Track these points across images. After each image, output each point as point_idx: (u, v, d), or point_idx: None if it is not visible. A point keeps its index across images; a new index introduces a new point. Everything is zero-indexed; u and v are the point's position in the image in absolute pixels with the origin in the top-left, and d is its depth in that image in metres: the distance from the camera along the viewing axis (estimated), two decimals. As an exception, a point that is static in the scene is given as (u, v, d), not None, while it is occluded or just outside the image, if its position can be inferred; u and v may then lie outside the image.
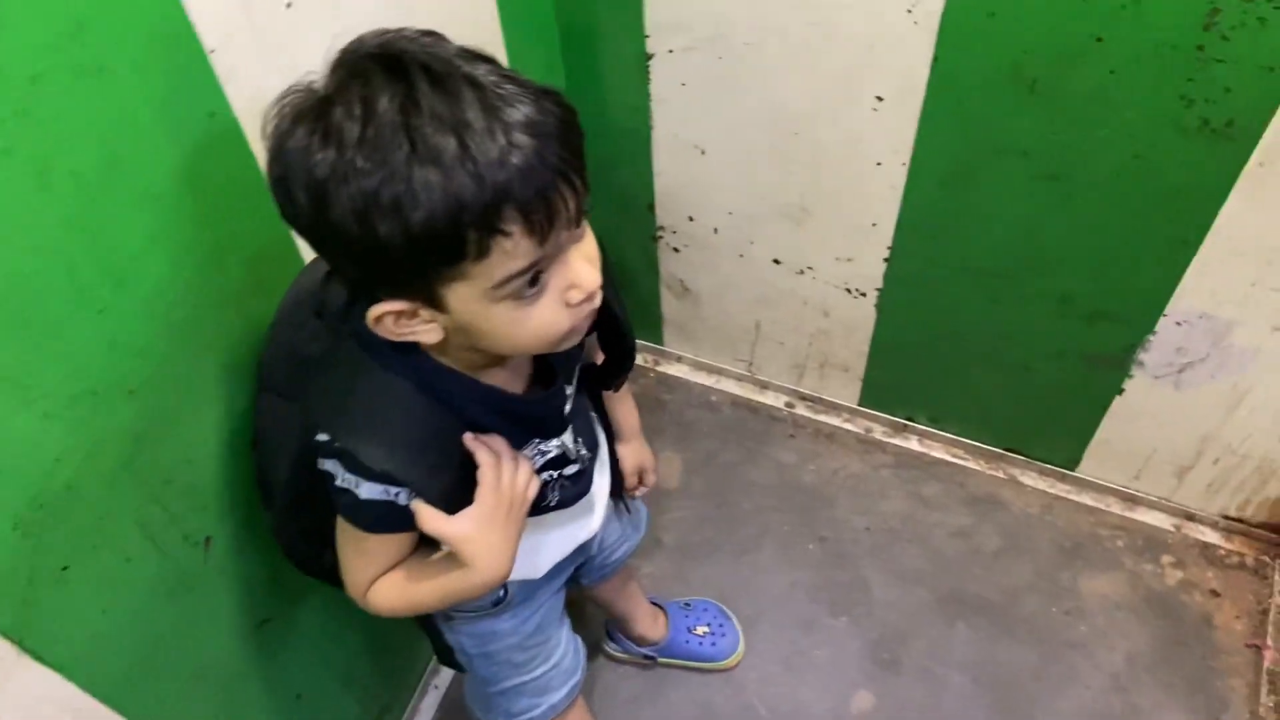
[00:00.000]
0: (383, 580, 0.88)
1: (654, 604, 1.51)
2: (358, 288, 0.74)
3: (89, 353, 0.73)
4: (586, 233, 0.73)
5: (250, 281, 0.88)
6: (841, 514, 1.65)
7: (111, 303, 0.74)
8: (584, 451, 0.98)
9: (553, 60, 1.36)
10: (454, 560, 0.84)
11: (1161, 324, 1.31)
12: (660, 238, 1.58)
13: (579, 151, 0.66)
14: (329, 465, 0.79)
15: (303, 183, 0.63)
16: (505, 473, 0.82)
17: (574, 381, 0.93)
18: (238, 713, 1.06)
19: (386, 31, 0.66)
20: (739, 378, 1.81)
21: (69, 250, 0.69)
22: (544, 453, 0.91)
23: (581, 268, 0.71)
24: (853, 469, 1.70)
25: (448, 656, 1.14)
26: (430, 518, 0.79)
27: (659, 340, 1.83)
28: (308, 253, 0.93)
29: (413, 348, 0.76)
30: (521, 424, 0.87)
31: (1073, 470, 1.62)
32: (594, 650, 1.53)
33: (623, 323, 0.93)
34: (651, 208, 1.53)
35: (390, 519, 0.80)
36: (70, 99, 0.66)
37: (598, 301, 0.73)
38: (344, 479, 0.78)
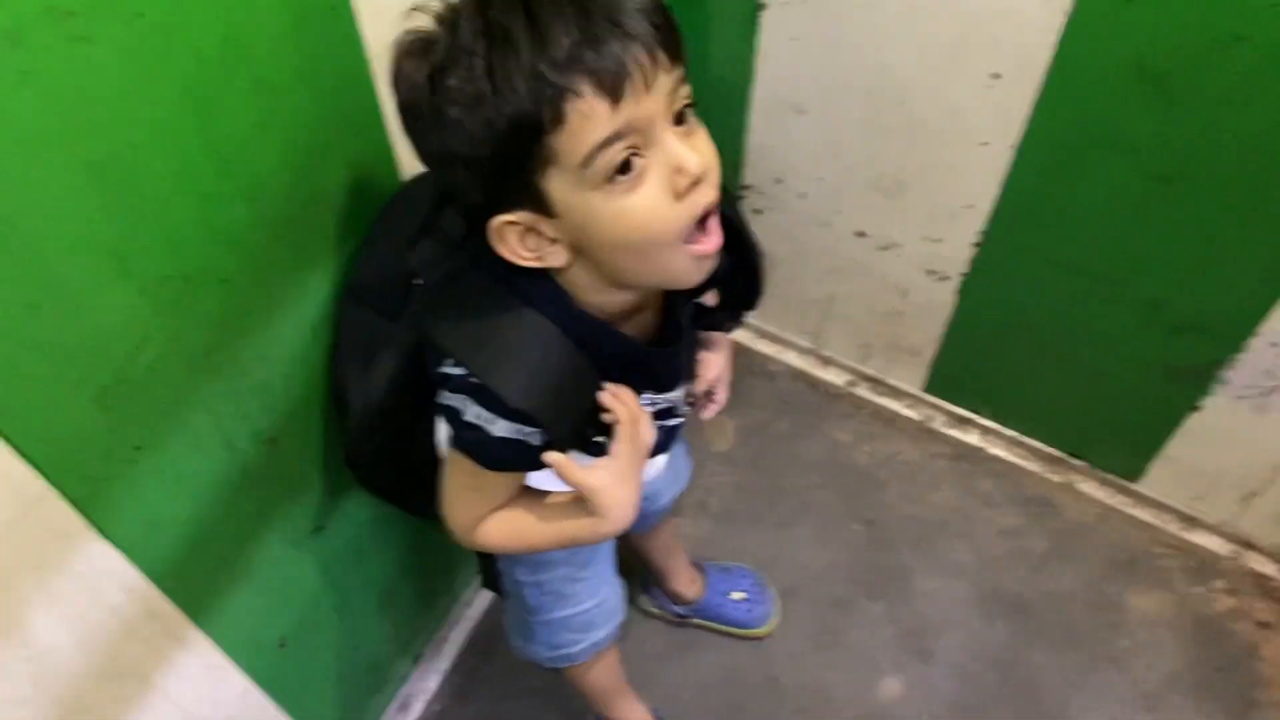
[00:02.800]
0: (496, 517, 0.88)
1: (693, 564, 1.50)
2: (474, 210, 0.73)
3: (187, 236, 0.73)
4: (696, 129, 0.71)
5: (349, 187, 0.87)
6: (890, 499, 1.63)
7: (215, 188, 0.73)
8: (685, 405, 0.96)
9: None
10: (580, 506, 0.85)
11: (1253, 343, 1.26)
12: (744, 197, 1.55)
13: (662, 25, 0.66)
14: (455, 400, 0.78)
15: (426, 71, 0.66)
16: (641, 428, 0.84)
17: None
18: (280, 616, 1.07)
19: None
20: (802, 350, 1.78)
21: (181, 128, 0.68)
22: (653, 404, 0.90)
23: (682, 148, 0.68)
24: (907, 456, 1.68)
25: (493, 581, 1.14)
26: (570, 467, 0.80)
27: (726, 302, 1.80)
28: (407, 169, 0.92)
29: (550, 285, 0.76)
30: (645, 377, 0.87)
31: (1134, 482, 1.59)
32: (628, 602, 1.53)
33: (751, 242, 0.91)
34: (738, 166, 1.50)
35: (518, 458, 0.79)
36: (200, -26, 0.65)
37: (711, 193, 0.70)
38: (475, 414, 0.77)
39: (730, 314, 1.00)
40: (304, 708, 1.18)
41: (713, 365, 1.08)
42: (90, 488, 0.74)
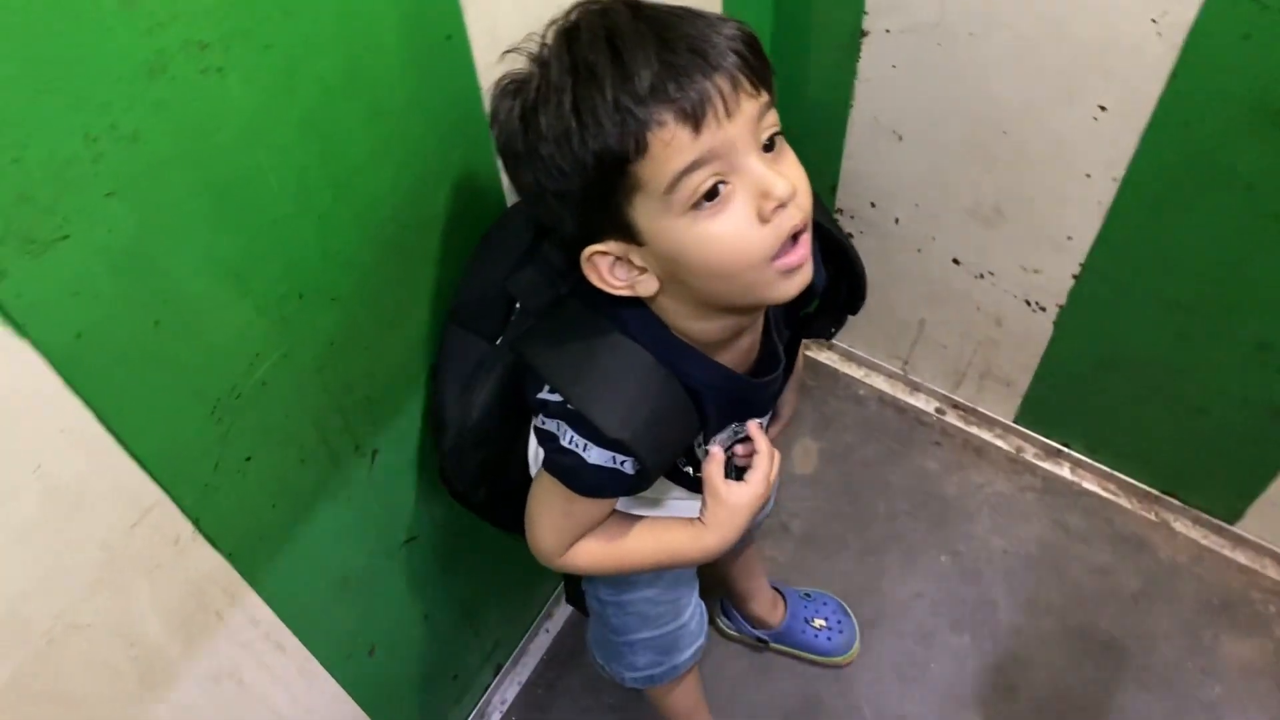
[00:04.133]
0: (588, 541, 0.90)
1: (774, 589, 1.49)
2: (569, 241, 0.74)
3: (304, 255, 0.75)
4: (784, 153, 0.72)
5: (456, 210, 0.89)
6: (979, 531, 1.60)
7: (331, 210, 0.75)
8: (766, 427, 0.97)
9: (763, 22, 1.34)
10: (677, 524, 0.90)
11: (1367, 388, 1.22)
12: (837, 220, 1.54)
13: (746, 54, 0.67)
14: (551, 425, 0.79)
15: (518, 111, 0.69)
16: (775, 468, 0.90)
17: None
18: (370, 624, 1.09)
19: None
20: (891, 376, 1.77)
21: (303, 152, 0.70)
22: (737, 433, 0.91)
23: (767, 172, 0.68)
24: (997, 487, 1.65)
25: (578, 599, 1.15)
26: (717, 466, 0.87)
27: (815, 325, 1.80)
28: (511, 195, 0.94)
29: (645, 312, 0.77)
30: (740, 406, 0.88)
31: (1232, 524, 1.54)
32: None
33: (849, 251, 0.92)
34: (834, 189, 1.50)
35: (611, 485, 0.81)
36: (326, 5, 0.67)
37: (797, 215, 0.70)
38: (571, 440, 0.78)
39: (834, 319, 1.02)
40: (389, 714, 1.20)
41: (785, 404, 1.09)
42: (202, 496, 0.76)
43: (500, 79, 0.71)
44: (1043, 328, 1.46)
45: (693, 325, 0.79)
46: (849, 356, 1.79)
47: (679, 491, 0.97)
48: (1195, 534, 1.58)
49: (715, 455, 0.90)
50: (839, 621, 1.49)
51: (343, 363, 0.84)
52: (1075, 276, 1.35)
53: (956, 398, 1.71)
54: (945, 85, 1.25)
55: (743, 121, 0.67)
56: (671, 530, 0.92)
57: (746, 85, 0.67)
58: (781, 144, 0.72)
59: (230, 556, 0.82)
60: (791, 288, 0.74)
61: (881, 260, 1.55)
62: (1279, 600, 1.51)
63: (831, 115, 1.39)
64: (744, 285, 0.73)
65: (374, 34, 0.72)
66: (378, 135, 0.76)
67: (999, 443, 1.69)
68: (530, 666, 1.51)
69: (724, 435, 0.91)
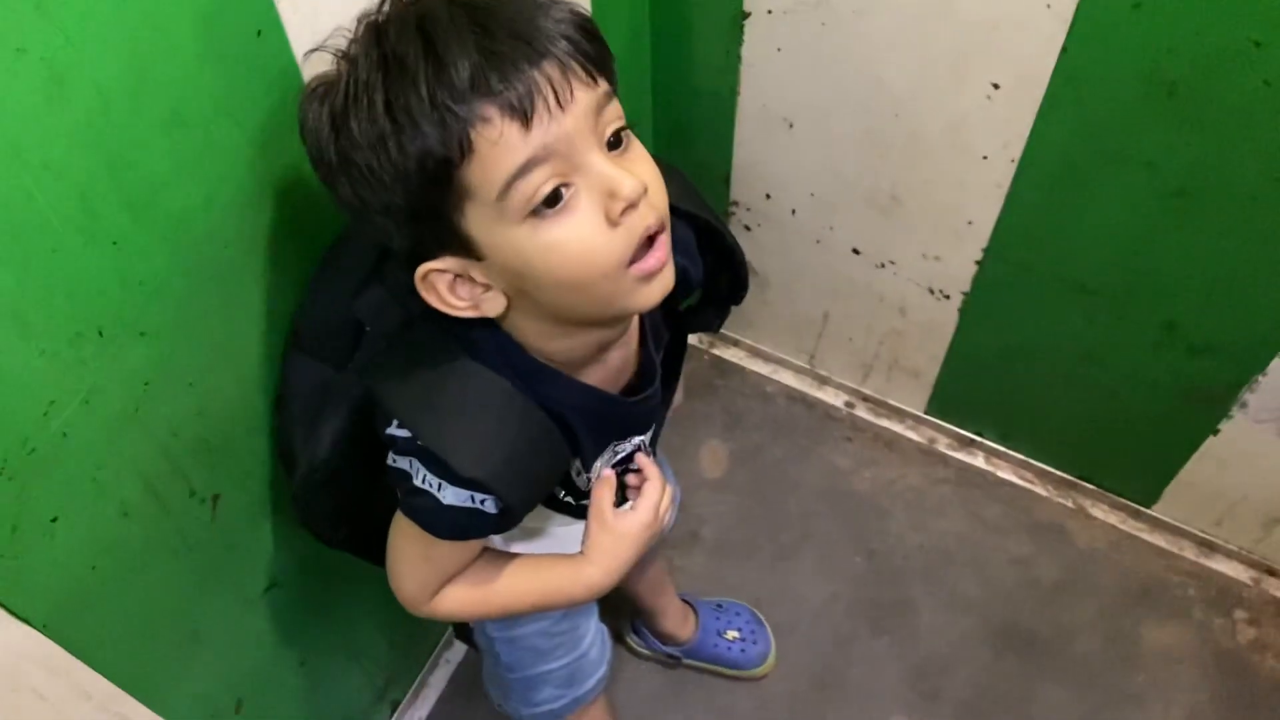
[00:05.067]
0: (456, 586, 0.82)
1: (685, 601, 1.42)
2: (405, 258, 0.66)
3: (98, 287, 0.65)
4: (633, 149, 0.65)
5: (288, 226, 0.79)
6: (894, 528, 1.55)
7: (128, 234, 0.66)
8: (649, 446, 0.90)
9: (639, 15, 1.26)
10: (555, 561, 0.84)
11: (1275, 366, 1.19)
12: (732, 213, 1.48)
13: (578, 38, 0.60)
14: (403, 463, 0.71)
15: (327, 116, 0.61)
16: (666, 498, 0.84)
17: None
18: (235, 677, 1.00)
19: None
20: (798, 370, 1.71)
21: (83, 171, 0.61)
22: (618, 452, 0.84)
23: (613, 170, 0.61)
24: (911, 481, 1.60)
25: (467, 634, 1.07)
26: (607, 498, 0.81)
27: (718, 321, 1.73)
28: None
29: (498, 334, 0.70)
30: (614, 426, 0.81)
31: (1148, 508, 1.51)
32: (616, 642, 1.46)
33: (727, 238, 0.86)
34: (727, 180, 1.43)
35: (471, 526, 0.73)
36: (96, 5, 0.58)
37: (650, 215, 0.63)
38: (425, 480, 0.70)
39: (716, 313, 0.96)
40: (270, 769, 1.11)
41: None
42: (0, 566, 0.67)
43: (309, 82, 0.63)
44: (948, 316, 1.41)
45: (551, 344, 0.72)
46: (755, 353, 1.73)
47: (562, 519, 0.90)
48: (1113, 519, 1.55)
49: (607, 478, 0.83)
50: (753, 632, 1.43)
51: (163, 403, 0.75)
52: (978, 263, 1.30)
53: (865, 390, 1.66)
54: (832, 68, 1.18)
55: (579, 114, 0.59)
56: (550, 568, 0.85)
57: (580, 73, 0.59)
58: (629, 139, 0.65)
59: (45, 629, 0.73)
60: (652, 294, 0.67)
61: (781, 253, 1.49)
62: (1197, 583, 1.49)
63: (719, 104, 1.32)
64: (600, 296, 0.65)
65: (164, 32, 0.63)
66: (180, 146, 0.67)
67: (911, 435, 1.64)
68: (431, 700, 1.42)
69: (605, 457, 0.84)
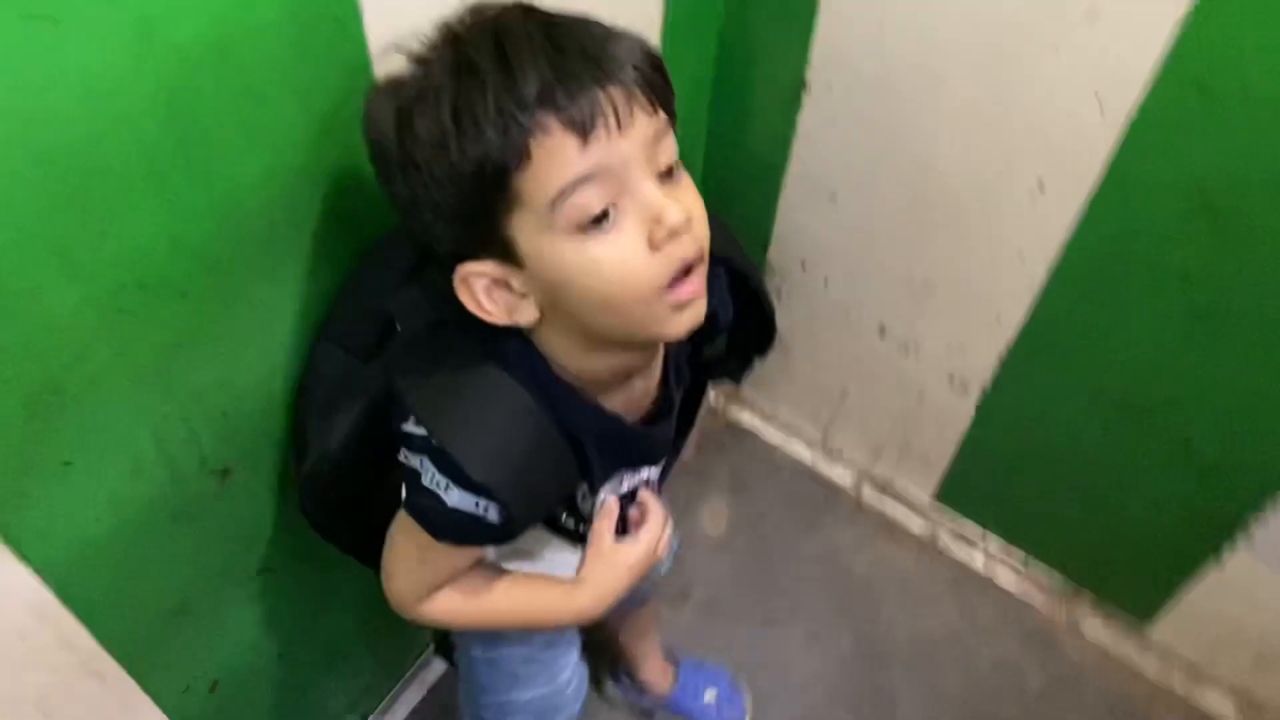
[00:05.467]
0: (446, 592, 0.83)
1: (667, 656, 1.41)
2: (445, 260, 0.68)
3: (148, 242, 0.67)
4: (683, 182, 0.67)
5: (338, 215, 0.81)
6: (885, 613, 1.54)
7: (185, 195, 0.68)
8: (657, 480, 0.91)
9: (704, 70, 1.29)
10: (549, 582, 0.85)
11: (1285, 500, 1.19)
12: (766, 277, 1.50)
13: (645, 69, 0.62)
14: (415, 461, 0.72)
15: (394, 113, 0.63)
16: (665, 534, 0.86)
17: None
18: (214, 657, 1.00)
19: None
20: (811, 442, 1.71)
21: (153, 129, 0.63)
22: (625, 483, 0.85)
23: (661, 197, 0.63)
24: (908, 569, 1.59)
25: (447, 649, 1.07)
26: (609, 527, 0.83)
27: (737, 384, 1.74)
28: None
29: (526, 346, 0.72)
30: (626, 454, 0.82)
31: (1143, 627, 1.49)
32: (593, 688, 1.45)
33: (759, 288, 0.88)
34: (766, 243, 1.45)
35: (471, 532, 0.73)
36: (190, -31, 0.61)
37: (691, 245, 0.65)
38: (433, 479, 0.71)
39: (740, 362, 0.98)
40: (233, 757, 1.10)
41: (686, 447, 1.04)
42: (6, 498, 0.68)
43: (380, 79, 0.66)
44: (965, 408, 1.42)
45: (577, 362, 0.73)
46: (770, 419, 1.74)
47: (559, 544, 0.90)
48: (1105, 637, 1.53)
49: (610, 507, 0.84)
50: (730, 696, 1.42)
51: (190, 367, 0.76)
52: (1001, 359, 1.31)
53: (875, 472, 1.66)
54: (883, 147, 1.21)
55: (637, 139, 0.62)
56: (542, 588, 0.85)
57: (643, 101, 0.62)
58: (681, 173, 0.67)
59: (41, 572, 0.73)
60: (682, 323, 0.68)
61: (808, 323, 1.51)
62: (1183, 713, 1.46)
63: (768, 168, 1.35)
64: (631, 318, 0.67)
65: (250, 7, 0.66)
66: (247, 121, 0.69)
67: (915, 522, 1.64)
68: (401, 716, 1.41)
69: (610, 485, 0.85)
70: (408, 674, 1.42)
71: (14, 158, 0.57)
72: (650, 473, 0.87)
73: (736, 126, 1.34)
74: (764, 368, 1.63)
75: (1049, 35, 1.00)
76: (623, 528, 0.88)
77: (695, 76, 1.29)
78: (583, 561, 0.85)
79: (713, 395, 1.79)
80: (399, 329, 0.78)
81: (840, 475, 1.69)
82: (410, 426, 0.72)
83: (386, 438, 0.76)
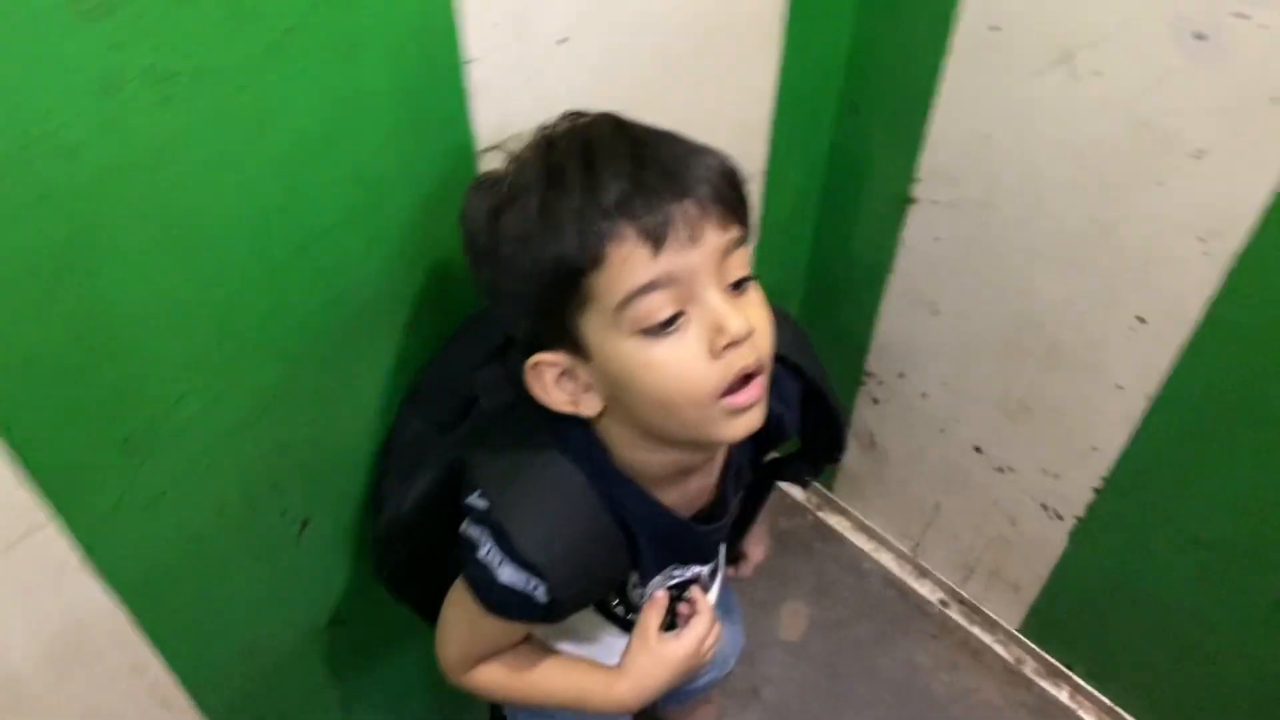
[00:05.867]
0: (492, 665, 0.86)
1: (727, 754, 1.40)
2: (520, 346, 0.72)
3: (251, 304, 0.73)
4: (752, 297, 0.69)
5: (433, 293, 0.87)
6: (958, 739, 1.49)
7: (289, 264, 0.74)
8: (709, 580, 0.92)
9: (814, 175, 1.32)
10: (592, 668, 0.87)
11: (1394, 673, 1.11)
12: (864, 383, 1.50)
13: (721, 186, 0.65)
14: (474, 532, 0.75)
15: (486, 208, 0.68)
16: (712, 635, 0.88)
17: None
18: (276, 699, 1.04)
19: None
20: (899, 555, 1.68)
21: (265, 200, 0.69)
22: (674, 577, 0.86)
23: (725, 307, 0.65)
24: (988, 697, 1.54)
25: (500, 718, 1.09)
26: (656, 619, 0.85)
27: (830, 486, 1.73)
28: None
29: (589, 435, 0.74)
30: (677, 549, 0.84)
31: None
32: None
33: (829, 398, 0.89)
34: (865, 350, 1.45)
35: (517, 609, 0.75)
36: (315, 61, 0.67)
37: (750, 355, 0.67)
38: (489, 553, 0.74)
39: (810, 466, 0.99)
40: (288, 799, 1.14)
41: (753, 546, 1.04)
42: (98, 527, 0.73)
43: (479, 175, 0.71)
44: (1058, 537, 1.38)
45: (637, 455, 0.75)
46: (860, 526, 1.72)
47: (610, 629, 0.92)
48: (1192, 793, 1.44)
49: (659, 599, 0.85)
50: (787, 805, 1.39)
51: (280, 422, 0.82)
52: (1096, 490, 1.28)
53: (963, 592, 1.61)
54: (985, 266, 1.21)
55: (707, 252, 0.64)
56: (584, 672, 0.87)
57: (715, 216, 0.65)
58: (752, 288, 0.69)
59: (122, 597, 0.79)
60: (737, 429, 0.70)
61: (904, 434, 1.50)
62: None
63: (871, 276, 1.36)
64: (687, 420, 0.69)
65: (366, 99, 0.72)
66: (354, 201, 0.75)
67: (999, 649, 1.58)
68: (460, 781, 1.43)
69: (661, 578, 0.86)
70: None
71: (137, 212, 0.63)
72: (702, 570, 0.88)
73: (842, 233, 1.36)
74: (859, 471, 1.63)
75: (1155, 170, 0.99)
76: (671, 622, 0.89)
77: (801, 185, 1.32)
78: (627, 650, 0.86)
79: (804, 496, 1.78)
80: (479, 404, 0.82)
81: (928, 591, 1.65)
82: (475, 499, 0.75)
83: (455, 508, 0.80)
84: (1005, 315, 1.23)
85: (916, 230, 1.26)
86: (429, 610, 0.96)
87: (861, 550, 1.71)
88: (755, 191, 1.19)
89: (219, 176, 0.66)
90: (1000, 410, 1.32)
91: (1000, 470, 1.39)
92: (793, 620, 1.62)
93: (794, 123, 1.17)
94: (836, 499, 1.74)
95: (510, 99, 0.81)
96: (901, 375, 1.43)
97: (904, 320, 1.37)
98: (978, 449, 1.40)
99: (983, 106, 1.10)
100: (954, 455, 1.44)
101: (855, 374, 1.49)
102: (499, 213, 0.66)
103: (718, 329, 0.65)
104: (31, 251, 0.59)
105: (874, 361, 1.46)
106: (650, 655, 0.85)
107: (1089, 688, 1.50)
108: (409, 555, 0.89)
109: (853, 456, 1.63)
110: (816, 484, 1.76)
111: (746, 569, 1.11)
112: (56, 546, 0.72)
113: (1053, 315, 1.18)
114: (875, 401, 1.50)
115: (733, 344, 0.65)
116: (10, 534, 0.68)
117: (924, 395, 1.42)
